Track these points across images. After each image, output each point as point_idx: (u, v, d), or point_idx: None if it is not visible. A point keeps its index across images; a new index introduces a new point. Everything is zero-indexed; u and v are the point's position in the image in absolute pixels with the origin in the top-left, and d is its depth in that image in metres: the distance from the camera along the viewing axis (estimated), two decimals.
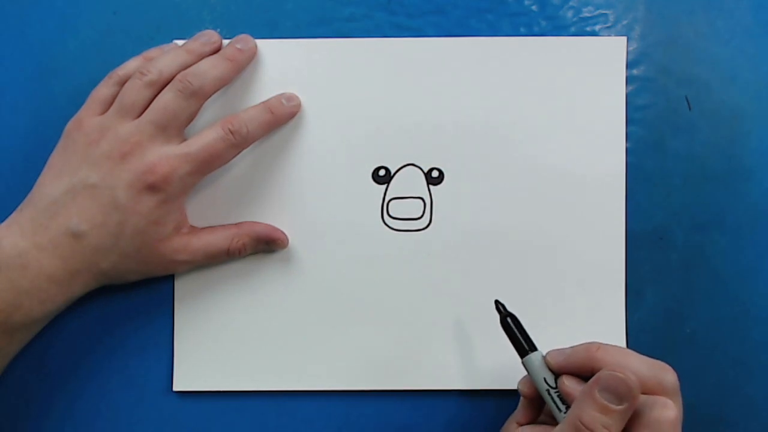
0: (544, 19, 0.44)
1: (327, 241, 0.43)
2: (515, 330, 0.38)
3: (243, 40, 0.42)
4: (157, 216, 0.39)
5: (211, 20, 0.44)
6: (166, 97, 0.40)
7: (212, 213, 0.43)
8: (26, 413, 0.43)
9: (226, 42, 0.43)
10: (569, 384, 0.35)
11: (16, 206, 0.40)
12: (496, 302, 0.39)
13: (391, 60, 0.43)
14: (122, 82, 0.41)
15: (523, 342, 0.37)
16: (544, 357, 0.37)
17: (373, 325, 0.43)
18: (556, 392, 0.36)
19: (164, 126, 0.39)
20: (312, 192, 0.43)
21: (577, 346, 0.36)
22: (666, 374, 0.34)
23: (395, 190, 0.43)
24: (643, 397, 0.33)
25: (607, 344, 0.35)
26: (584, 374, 0.35)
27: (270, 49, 0.43)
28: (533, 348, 0.37)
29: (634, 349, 0.43)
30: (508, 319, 0.38)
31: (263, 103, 0.42)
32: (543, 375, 0.36)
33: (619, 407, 0.31)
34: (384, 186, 0.43)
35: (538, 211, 0.43)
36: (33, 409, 0.43)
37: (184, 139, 0.40)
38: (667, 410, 0.32)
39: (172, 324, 0.43)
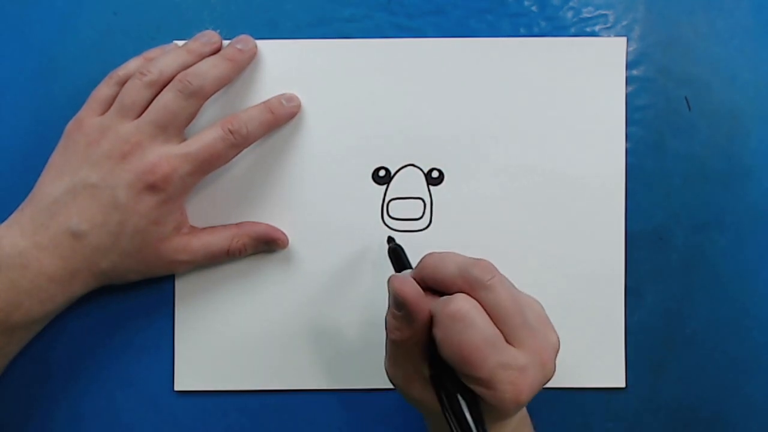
0: (544, 20, 0.44)
1: (327, 241, 0.43)
2: (396, 257, 0.39)
3: (243, 41, 0.42)
4: (157, 216, 0.39)
5: (211, 20, 0.44)
6: (166, 97, 0.40)
7: (212, 213, 0.43)
8: (27, 413, 0.43)
9: (226, 42, 0.43)
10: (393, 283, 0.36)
11: (16, 206, 0.40)
12: (389, 237, 0.41)
13: (391, 60, 0.43)
14: (122, 82, 0.41)
15: (402, 264, 0.39)
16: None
17: (373, 325, 0.43)
18: None
19: (164, 126, 0.39)
20: (312, 192, 0.43)
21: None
22: (472, 269, 0.33)
23: (395, 191, 0.43)
24: (444, 298, 0.33)
25: (440, 252, 0.36)
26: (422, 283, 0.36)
27: (270, 49, 0.43)
28: (409, 268, 0.38)
29: (634, 350, 0.43)
30: (397, 249, 0.39)
31: (263, 103, 0.42)
32: None
33: (400, 313, 0.34)
34: (384, 186, 0.43)
35: (538, 211, 0.43)
36: (34, 409, 0.43)
37: (184, 139, 0.40)
38: (450, 304, 0.33)
39: (172, 324, 0.43)
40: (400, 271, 0.38)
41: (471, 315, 0.32)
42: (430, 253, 0.36)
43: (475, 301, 0.33)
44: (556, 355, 0.35)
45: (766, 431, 0.43)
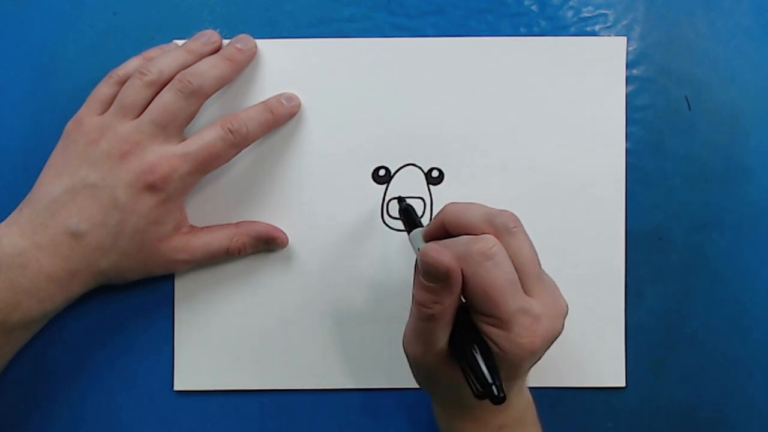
0: (544, 20, 0.44)
1: (327, 241, 0.43)
2: (407, 216, 0.40)
3: (243, 40, 0.42)
4: (157, 215, 0.39)
5: (211, 20, 0.44)
6: (166, 96, 0.40)
7: (212, 213, 0.43)
8: (27, 414, 0.43)
9: (226, 42, 0.43)
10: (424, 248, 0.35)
11: (16, 206, 0.40)
12: (399, 197, 0.42)
13: (391, 60, 0.43)
14: (122, 82, 0.41)
15: (413, 222, 0.39)
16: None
17: (373, 325, 0.43)
18: None
19: (164, 125, 0.39)
20: (312, 192, 0.43)
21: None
22: (497, 216, 0.34)
23: (395, 191, 0.43)
24: (469, 237, 0.34)
25: (457, 202, 0.36)
26: (443, 236, 0.36)
27: (270, 49, 0.43)
28: (420, 226, 0.38)
29: (634, 350, 0.43)
30: (408, 208, 0.40)
31: (263, 102, 0.42)
32: (419, 247, 0.37)
33: (438, 285, 0.33)
34: (384, 186, 0.43)
35: (538, 211, 0.43)
36: (33, 409, 0.43)
37: (184, 139, 0.40)
38: (480, 242, 0.33)
39: (172, 324, 0.43)
40: (411, 230, 0.38)
41: (500, 255, 0.33)
42: (451, 203, 0.36)
43: (501, 244, 0.34)
44: (564, 320, 0.35)
45: (766, 431, 0.43)
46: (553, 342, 0.35)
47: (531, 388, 0.39)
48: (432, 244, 0.34)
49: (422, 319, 0.34)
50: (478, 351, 0.33)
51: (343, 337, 0.43)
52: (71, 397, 0.43)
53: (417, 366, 0.36)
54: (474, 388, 0.33)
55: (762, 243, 0.44)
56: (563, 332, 0.35)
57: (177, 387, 0.43)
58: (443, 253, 0.33)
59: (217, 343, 0.43)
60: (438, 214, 0.36)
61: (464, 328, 0.34)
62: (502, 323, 0.33)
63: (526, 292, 0.34)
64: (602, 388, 0.43)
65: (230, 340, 0.43)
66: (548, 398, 0.43)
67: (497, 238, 0.34)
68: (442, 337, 0.34)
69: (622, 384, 0.43)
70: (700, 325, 0.43)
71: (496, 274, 0.33)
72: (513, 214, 0.35)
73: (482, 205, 0.36)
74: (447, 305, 0.33)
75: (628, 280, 0.43)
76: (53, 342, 0.43)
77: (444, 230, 0.36)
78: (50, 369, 0.43)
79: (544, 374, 0.43)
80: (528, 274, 0.34)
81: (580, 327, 0.43)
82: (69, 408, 0.43)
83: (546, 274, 0.36)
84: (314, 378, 0.43)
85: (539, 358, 0.35)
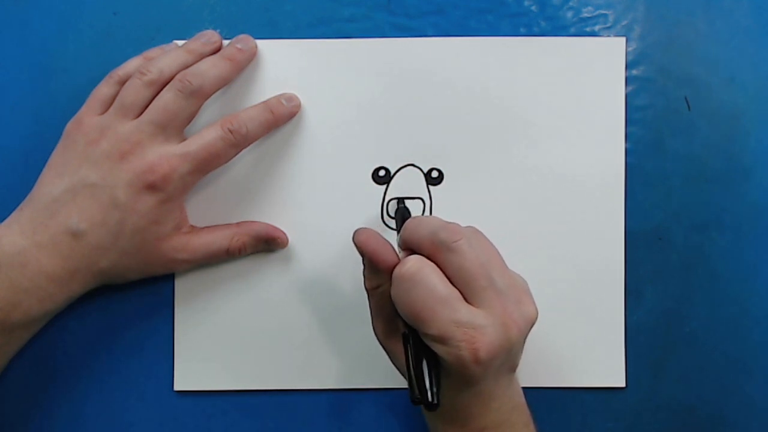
0: (544, 20, 0.44)
1: (327, 241, 0.43)
2: (402, 218, 0.40)
3: (243, 40, 0.42)
4: (157, 215, 0.39)
5: (211, 20, 0.44)
6: (166, 96, 0.40)
7: (212, 213, 0.43)
8: (27, 414, 0.43)
9: (226, 42, 0.43)
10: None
11: (16, 206, 0.40)
12: (399, 199, 0.43)
13: (391, 60, 0.43)
14: (122, 82, 0.41)
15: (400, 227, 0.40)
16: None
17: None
18: None
19: (164, 125, 0.39)
20: (312, 192, 0.43)
21: None
22: (440, 232, 0.35)
23: (395, 191, 0.43)
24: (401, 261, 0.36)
25: (416, 217, 0.37)
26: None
27: (270, 49, 0.43)
28: None
29: (634, 350, 0.43)
30: (404, 210, 0.42)
31: (263, 102, 0.42)
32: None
33: (365, 262, 0.38)
34: (384, 186, 0.43)
35: (538, 211, 0.43)
36: (33, 409, 0.43)
37: (184, 139, 0.40)
38: (402, 266, 0.35)
39: (172, 324, 0.43)
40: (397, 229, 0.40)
41: (420, 275, 0.34)
42: (412, 217, 0.38)
43: (428, 262, 0.34)
44: (528, 327, 0.35)
45: (766, 431, 0.43)
46: (509, 351, 0.34)
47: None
48: (366, 229, 0.37)
49: (366, 291, 0.39)
50: (425, 359, 0.34)
51: (342, 337, 0.43)
52: (72, 397, 0.43)
53: (378, 340, 0.40)
54: (411, 393, 0.34)
55: (762, 243, 0.44)
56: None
57: (177, 387, 0.43)
58: (363, 233, 0.37)
59: (217, 343, 0.43)
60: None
61: (419, 338, 0.35)
62: (437, 339, 0.34)
63: (471, 303, 0.34)
64: (602, 388, 0.43)
65: (230, 340, 0.43)
66: (548, 398, 0.43)
67: (437, 254, 0.35)
68: (385, 317, 0.38)
69: (622, 384, 0.43)
70: (700, 325, 0.43)
71: (417, 293, 0.34)
72: (456, 227, 0.35)
73: (433, 220, 0.36)
74: (374, 284, 0.37)
75: (627, 280, 0.43)
76: (54, 342, 0.43)
77: (405, 245, 0.37)
78: (50, 369, 0.43)
79: (543, 374, 0.43)
80: (471, 287, 0.34)
81: (580, 327, 0.43)
82: (69, 408, 0.43)
83: (512, 279, 0.35)
84: (314, 378, 0.43)
85: (509, 363, 0.35)
